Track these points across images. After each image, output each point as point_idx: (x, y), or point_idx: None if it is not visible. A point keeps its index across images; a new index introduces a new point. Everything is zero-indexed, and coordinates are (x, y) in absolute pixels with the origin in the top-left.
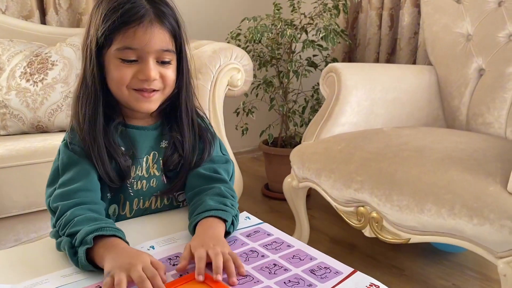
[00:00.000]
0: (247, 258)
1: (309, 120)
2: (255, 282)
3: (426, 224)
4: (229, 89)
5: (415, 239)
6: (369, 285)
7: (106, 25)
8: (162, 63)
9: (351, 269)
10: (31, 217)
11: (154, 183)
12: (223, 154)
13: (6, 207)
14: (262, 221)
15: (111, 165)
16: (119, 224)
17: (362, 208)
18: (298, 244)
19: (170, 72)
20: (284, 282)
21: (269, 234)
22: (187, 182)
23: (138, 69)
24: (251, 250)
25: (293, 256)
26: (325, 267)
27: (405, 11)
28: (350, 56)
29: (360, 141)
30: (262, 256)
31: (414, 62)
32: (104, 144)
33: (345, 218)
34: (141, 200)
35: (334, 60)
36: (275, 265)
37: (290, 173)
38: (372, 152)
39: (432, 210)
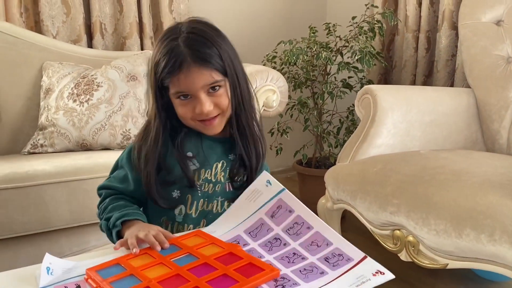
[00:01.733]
0: (271, 248)
1: (344, 141)
2: None
3: (464, 249)
4: (264, 110)
5: (453, 264)
6: (375, 272)
7: (158, 74)
8: (213, 90)
9: (362, 255)
10: (75, 232)
11: (219, 188)
12: None
13: (51, 221)
14: (282, 188)
15: (175, 170)
16: None
17: (398, 231)
18: (316, 225)
19: (223, 98)
20: (300, 271)
21: (290, 211)
22: None
23: (194, 104)
24: (275, 238)
25: (312, 242)
26: (338, 254)
27: (442, 34)
28: (386, 78)
29: (397, 163)
30: (284, 244)
31: (451, 85)
32: (156, 169)
33: (380, 241)
34: (206, 202)
35: (370, 82)
36: (294, 254)
37: (324, 194)
38: (408, 175)
39: (470, 235)
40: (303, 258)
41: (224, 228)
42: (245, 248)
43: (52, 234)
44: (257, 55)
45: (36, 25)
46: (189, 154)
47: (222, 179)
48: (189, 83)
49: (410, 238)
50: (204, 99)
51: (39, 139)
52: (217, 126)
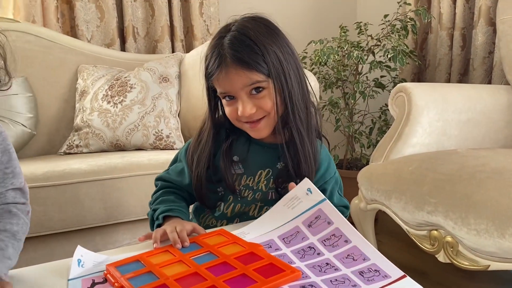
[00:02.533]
0: (303, 255)
1: (377, 142)
2: (303, 277)
3: (508, 250)
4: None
5: (495, 266)
6: None
7: (206, 74)
8: (257, 91)
9: (401, 274)
10: (109, 229)
11: (259, 196)
12: (340, 195)
13: (86, 218)
14: (323, 198)
15: (220, 172)
16: None
17: (435, 231)
18: (355, 239)
19: (265, 101)
20: (330, 281)
21: (329, 222)
22: None
23: (237, 105)
24: (309, 247)
25: (348, 255)
26: (375, 270)
27: (478, 30)
28: (419, 77)
29: (433, 162)
30: (318, 254)
31: (489, 82)
32: (206, 169)
33: (417, 242)
34: (243, 206)
35: (403, 81)
36: (327, 264)
37: (356, 195)
38: (446, 174)
39: None
40: (336, 269)
41: (258, 231)
42: (276, 253)
43: (87, 232)
44: None
45: (72, 30)
46: (235, 158)
47: (263, 187)
48: (228, 84)
49: (449, 238)
50: (245, 101)
51: (74, 140)
52: (263, 130)
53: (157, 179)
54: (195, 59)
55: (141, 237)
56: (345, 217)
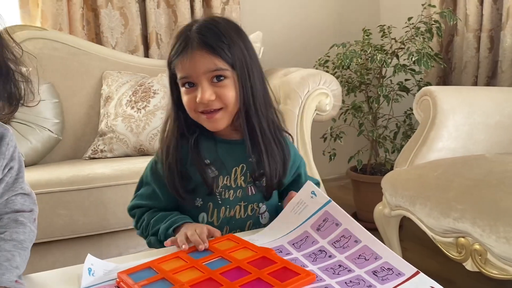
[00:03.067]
0: (315, 259)
1: (401, 146)
2: (318, 280)
3: None
4: (317, 114)
5: None
6: None
7: (169, 60)
8: (219, 80)
9: (414, 270)
10: (131, 233)
11: (240, 193)
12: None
13: (110, 222)
14: (328, 199)
15: (194, 178)
16: None
17: (462, 239)
18: (365, 238)
19: (227, 90)
20: (345, 282)
21: (337, 224)
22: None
23: (196, 93)
24: (320, 250)
25: (359, 255)
26: (388, 268)
27: (507, 32)
28: (445, 80)
29: (459, 167)
30: (330, 256)
31: None
32: (175, 162)
33: (443, 249)
34: (228, 209)
35: (428, 84)
36: (340, 266)
37: (380, 201)
38: (473, 179)
39: None
40: (349, 271)
41: (267, 238)
42: (287, 257)
43: (110, 235)
44: (308, 60)
45: (97, 37)
46: (207, 161)
47: (242, 183)
48: (191, 67)
49: (477, 246)
50: (206, 87)
51: (99, 145)
52: (220, 121)
53: (131, 209)
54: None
55: (167, 242)
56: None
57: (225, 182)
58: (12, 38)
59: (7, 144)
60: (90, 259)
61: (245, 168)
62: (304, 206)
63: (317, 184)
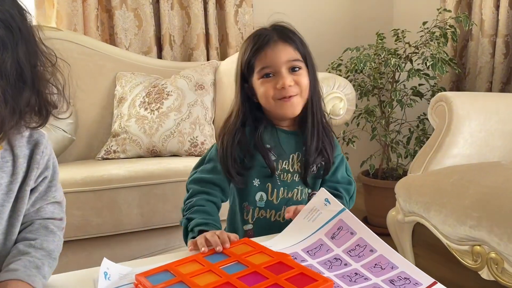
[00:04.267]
0: (330, 266)
1: (414, 152)
2: (335, 287)
3: None
4: (330, 117)
5: None
6: None
7: (246, 56)
8: (294, 70)
9: (432, 280)
10: (145, 235)
11: (297, 177)
12: (348, 175)
13: (123, 223)
14: (343, 207)
15: (255, 161)
16: None
17: (478, 247)
18: (380, 248)
19: (302, 78)
20: None
21: (352, 233)
22: None
23: (276, 81)
24: (335, 258)
25: (375, 264)
26: (405, 278)
27: None
28: (458, 85)
29: (475, 174)
30: (345, 264)
31: None
32: (231, 147)
33: (458, 257)
34: (286, 190)
35: (442, 89)
36: (356, 274)
37: (392, 206)
38: (489, 187)
39: None
40: (366, 279)
41: (281, 245)
42: (303, 264)
43: (123, 237)
44: (321, 63)
45: (111, 38)
46: (267, 146)
47: (299, 169)
48: (275, 57)
49: (493, 254)
50: (286, 75)
51: (112, 146)
52: (296, 106)
53: (190, 182)
54: (230, 67)
55: (189, 248)
56: (352, 191)
57: (284, 166)
58: (45, 45)
59: (42, 152)
60: (106, 263)
61: (300, 155)
62: (318, 214)
63: (349, 183)
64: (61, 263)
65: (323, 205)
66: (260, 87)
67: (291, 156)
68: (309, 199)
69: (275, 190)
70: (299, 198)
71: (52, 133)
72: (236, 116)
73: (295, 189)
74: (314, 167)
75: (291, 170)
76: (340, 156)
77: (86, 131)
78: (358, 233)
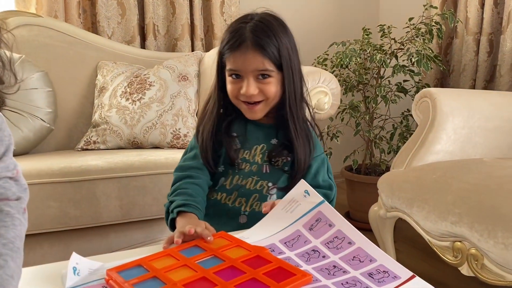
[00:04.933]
0: (308, 259)
1: (397, 148)
2: (314, 281)
3: None
4: (315, 112)
5: None
6: None
7: (221, 48)
8: (263, 77)
9: (410, 274)
10: (123, 228)
11: (255, 168)
12: (329, 178)
13: (102, 216)
14: (322, 199)
15: (220, 150)
16: None
17: (459, 243)
18: (359, 241)
19: (269, 87)
20: (342, 283)
21: (330, 225)
22: None
23: (241, 85)
24: (313, 250)
25: (353, 257)
26: (383, 271)
27: (507, 36)
28: (443, 82)
29: (458, 171)
30: (323, 256)
31: None
32: (210, 136)
33: (439, 253)
34: (241, 178)
35: (426, 86)
36: (334, 266)
37: (374, 201)
38: (472, 183)
39: None
40: (345, 272)
41: (258, 236)
42: (280, 257)
43: (102, 229)
44: (307, 57)
45: (93, 26)
46: (234, 134)
47: (259, 160)
48: (241, 63)
49: (473, 251)
50: (251, 82)
51: (92, 136)
52: (258, 112)
53: (175, 171)
54: (215, 59)
55: (165, 245)
56: (332, 197)
57: (244, 155)
58: None
59: None
60: (75, 257)
61: (265, 147)
62: (297, 205)
63: (330, 188)
64: (37, 256)
65: (302, 197)
66: (228, 85)
67: (254, 147)
68: (268, 193)
69: (231, 176)
70: (251, 187)
71: (30, 122)
72: (213, 103)
73: (250, 179)
74: (280, 161)
75: (251, 160)
76: (320, 158)
77: (66, 121)
78: (337, 225)
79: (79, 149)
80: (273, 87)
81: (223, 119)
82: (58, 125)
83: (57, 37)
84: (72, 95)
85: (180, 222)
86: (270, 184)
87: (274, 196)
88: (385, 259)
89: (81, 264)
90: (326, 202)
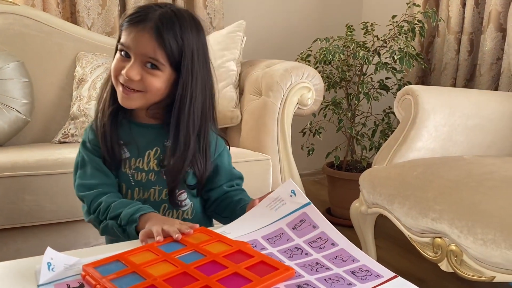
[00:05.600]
0: (291, 255)
1: (379, 144)
2: (296, 276)
3: None
4: (298, 107)
5: (501, 278)
6: None
7: (121, 20)
8: (151, 67)
9: (393, 274)
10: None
11: (153, 176)
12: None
13: (78, 210)
14: (308, 201)
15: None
16: None
17: (439, 239)
18: (342, 243)
19: (155, 80)
20: (325, 279)
21: (314, 226)
22: (212, 196)
23: (126, 65)
24: (295, 247)
25: (336, 256)
26: (366, 270)
27: (487, 36)
28: (424, 80)
29: (439, 168)
30: (306, 254)
31: (495, 89)
32: (110, 128)
33: (419, 249)
34: (141, 191)
35: (408, 83)
36: (317, 263)
37: (355, 198)
38: (452, 180)
39: None
40: (328, 269)
41: (239, 231)
42: (262, 253)
43: (78, 224)
44: (290, 53)
45: (72, 16)
46: (120, 142)
47: (155, 167)
48: (134, 42)
49: (453, 247)
50: (136, 66)
51: (70, 129)
52: (132, 101)
53: (80, 191)
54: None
55: (141, 238)
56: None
57: (137, 164)
58: None
59: None
60: (49, 252)
61: (159, 151)
62: (282, 204)
63: (240, 178)
64: (11, 250)
65: (288, 196)
66: (114, 61)
67: (147, 153)
68: (178, 200)
69: (129, 191)
70: (157, 198)
71: (5, 114)
72: (110, 92)
73: (152, 189)
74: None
75: (145, 168)
76: (226, 150)
77: (43, 113)
78: (321, 227)
79: (57, 142)
80: (157, 82)
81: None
82: (35, 117)
83: (34, 26)
84: (49, 86)
85: (150, 222)
86: (176, 190)
87: (187, 201)
88: (368, 260)
89: (56, 259)
90: (311, 204)
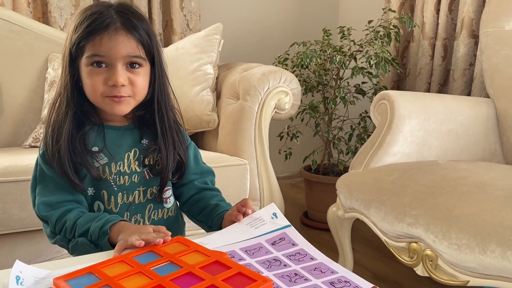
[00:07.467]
0: (269, 266)
1: (356, 148)
2: (275, 287)
3: (488, 266)
4: (276, 112)
5: (475, 282)
6: None
7: (76, 35)
8: (132, 67)
9: (371, 285)
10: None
11: (136, 178)
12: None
13: None
14: (288, 224)
15: (81, 167)
16: None
17: (415, 244)
18: (321, 258)
19: (140, 79)
20: None
21: (293, 244)
22: (184, 193)
23: (107, 75)
24: (274, 259)
25: (315, 268)
26: (345, 281)
27: (460, 42)
28: (399, 85)
29: (414, 173)
30: (285, 265)
31: (468, 94)
32: (68, 148)
33: (395, 253)
34: (125, 195)
35: (384, 88)
36: (296, 274)
37: (332, 202)
38: (427, 185)
39: (496, 252)
40: (306, 280)
41: (218, 242)
42: (240, 263)
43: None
44: (267, 56)
45: (44, 16)
46: (95, 149)
47: (137, 168)
48: (112, 47)
49: (428, 251)
50: (121, 71)
51: (41, 133)
52: (126, 106)
53: (43, 212)
54: (174, 54)
55: (117, 250)
56: (215, 181)
57: (118, 168)
58: None
59: None
60: (18, 265)
61: (138, 152)
62: (262, 223)
63: (212, 173)
64: None
65: (269, 218)
66: (88, 78)
67: (126, 155)
68: (162, 199)
69: (112, 197)
70: (142, 200)
71: None
72: (64, 110)
73: (136, 192)
74: (157, 159)
75: (127, 171)
76: (192, 145)
77: (12, 116)
78: (300, 245)
79: (27, 146)
80: (142, 80)
81: (78, 128)
82: (4, 120)
83: (2, 26)
84: (19, 89)
85: (124, 233)
86: (157, 188)
87: (172, 198)
88: (347, 272)
89: (25, 273)
90: (292, 227)
